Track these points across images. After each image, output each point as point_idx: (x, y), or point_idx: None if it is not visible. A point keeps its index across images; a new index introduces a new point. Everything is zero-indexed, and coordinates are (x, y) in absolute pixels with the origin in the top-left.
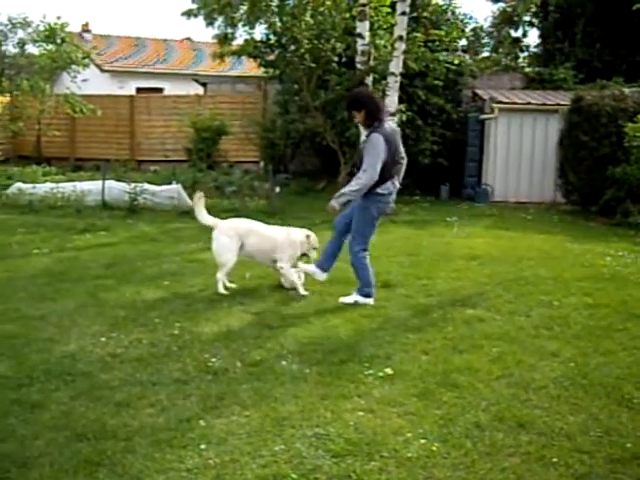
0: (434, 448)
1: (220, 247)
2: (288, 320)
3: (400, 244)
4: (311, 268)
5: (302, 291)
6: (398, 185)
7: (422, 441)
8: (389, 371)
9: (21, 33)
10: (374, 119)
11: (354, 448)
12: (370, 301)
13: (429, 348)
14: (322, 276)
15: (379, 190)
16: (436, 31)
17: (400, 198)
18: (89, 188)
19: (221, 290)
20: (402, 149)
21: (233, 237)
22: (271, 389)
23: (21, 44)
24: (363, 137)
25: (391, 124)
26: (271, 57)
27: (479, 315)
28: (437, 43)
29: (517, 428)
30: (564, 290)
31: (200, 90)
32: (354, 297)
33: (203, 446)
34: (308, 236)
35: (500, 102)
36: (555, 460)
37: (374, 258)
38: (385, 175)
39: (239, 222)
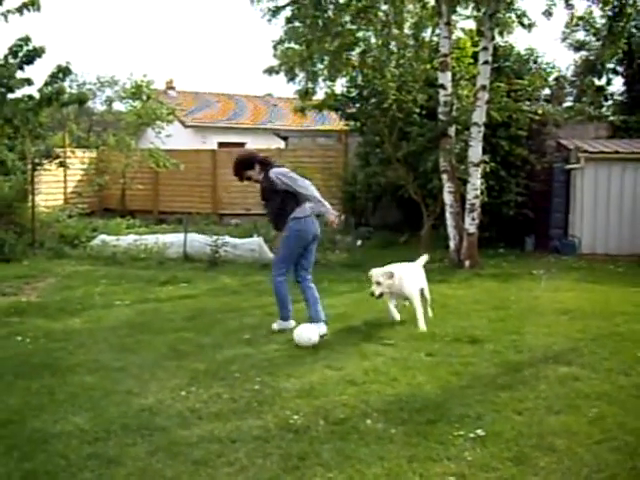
0: None
1: None
2: (372, 377)
3: (486, 298)
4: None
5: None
6: (315, 208)
7: None
8: (480, 432)
9: (109, 91)
10: (267, 164)
11: None
12: (291, 323)
13: (522, 408)
14: (323, 328)
15: (296, 215)
16: (519, 80)
17: (484, 251)
18: (171, 240)
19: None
20: (299, 181)
21: None
22: (355, 449)
23: (108, 101)
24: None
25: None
26: (352, 110)
27: (574, 373)
28: (520, 93)
29: None
30: None
31: (281, 144)
32: (277, 325)
33: None
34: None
35: (586, 151)
36: None
37: (461, 313)
38: (297, 200)
39: None
